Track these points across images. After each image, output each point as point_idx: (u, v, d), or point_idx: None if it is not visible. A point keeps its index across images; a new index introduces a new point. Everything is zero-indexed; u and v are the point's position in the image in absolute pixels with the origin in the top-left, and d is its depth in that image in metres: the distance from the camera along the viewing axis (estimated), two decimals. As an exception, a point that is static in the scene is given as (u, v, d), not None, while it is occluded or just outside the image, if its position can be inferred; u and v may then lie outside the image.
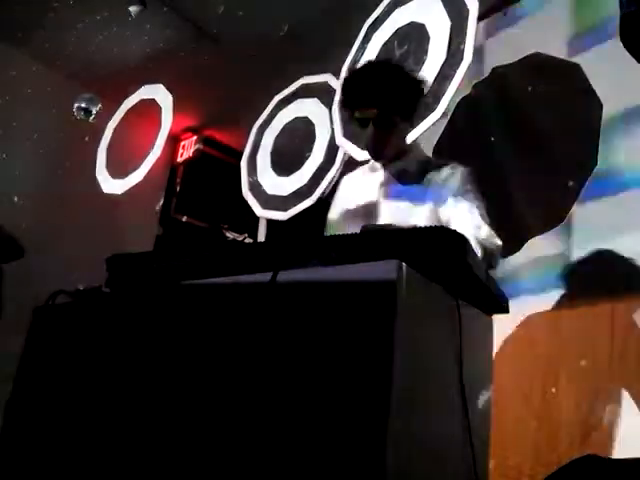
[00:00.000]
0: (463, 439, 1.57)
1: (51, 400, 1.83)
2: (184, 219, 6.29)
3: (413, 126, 2.44)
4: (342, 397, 1.30)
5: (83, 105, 4.86)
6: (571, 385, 2.90)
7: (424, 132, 2.99)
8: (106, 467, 1.60)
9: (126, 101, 4.93)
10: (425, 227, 1.47)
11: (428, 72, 3.08)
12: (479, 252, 1.99)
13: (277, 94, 4.41)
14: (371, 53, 3.56)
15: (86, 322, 1.88)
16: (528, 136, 3.44)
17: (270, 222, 4.83)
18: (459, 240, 1.46)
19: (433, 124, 3.03)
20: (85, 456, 1.66)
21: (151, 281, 1.80)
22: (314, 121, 4.07)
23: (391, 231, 1.54)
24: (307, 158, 4.00)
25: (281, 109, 4.35)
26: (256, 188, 4.28)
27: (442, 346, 1.55)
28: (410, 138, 2.53)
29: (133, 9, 4.48)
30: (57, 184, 5.15)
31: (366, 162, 2.53)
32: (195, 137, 6.42)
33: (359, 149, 3.41)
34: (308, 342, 1.39)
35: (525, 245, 3.29)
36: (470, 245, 1.51)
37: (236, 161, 4.65)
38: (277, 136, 4.31)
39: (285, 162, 4.16)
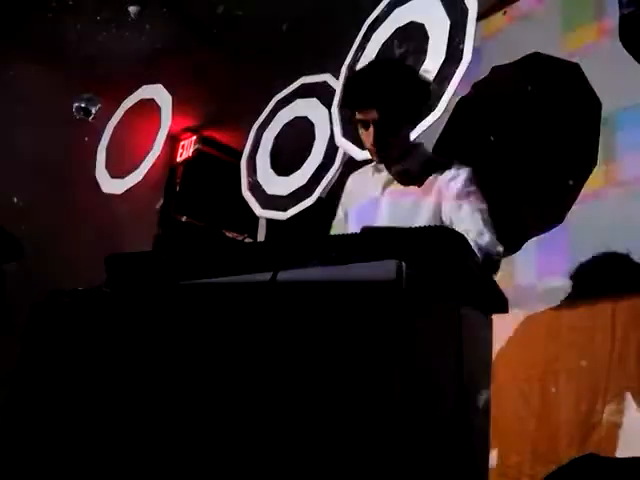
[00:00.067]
0: (462, 438, 1.57)
1: (49, 400, 1.82)
2: (184, 219, 6.29)
3: (416, 126, 2.43)
4: (342, 397, 1.30)
5: (82, 105, 4.86)
6: (571, 385, 2.90)
7: (423, 132, 2.99)
8: (105, 467, 1.60)
9: (126, 101, 4.92)
10: (424, 227, 1.48)
11: (427, 72, 3.08)
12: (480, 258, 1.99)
13: (276, 94, 4.41)
14: (370, 53, 3.56)
15: (85, 322, 1.87)
16: (527, 136, 3.44)
17: (270, 222, 4.83)
18: (458, 240, 1.46)
19: (432, 124, 3.02)
20: (84, 456, 1.66)
21: (150, 281, 1.80)
22: (313, 121, 4.06)
23: (391, 231, 1.54)
24: (307, 158, 4.00)
25: (280, 109, 4.35)
26: (256, 188, 4.27)
27: (442, 346, 1.55)
28: (412, 138, 2.53)
29: (132, 9, 4.48)
30: (56, 184, 5.14)
31: (370, 161, 2.53)
32: (195, 137, 6.42)
33: (359, 149, 3.42)
34: (308, 342, 1.39)
35: (525, 244, 3.29)
36: (470, 245, 1.51)
37: (236, 161, 4.65)
38: (276, 136, 4.30)
39: (285, 162, 4.15)
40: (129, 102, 4.89)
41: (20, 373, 1.96)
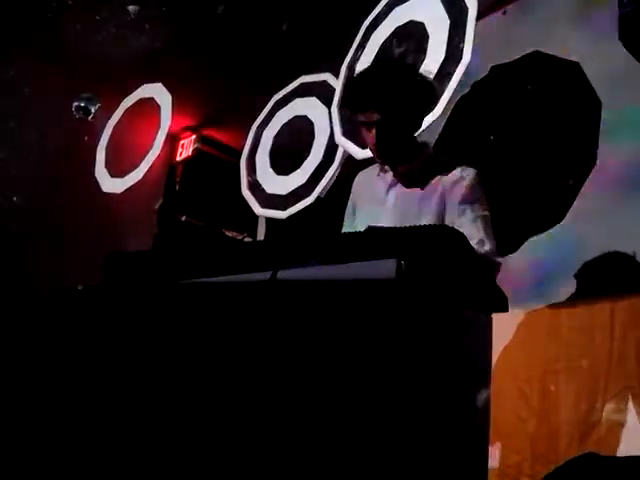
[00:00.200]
0: (462, 438, 1.57)
1: (49, 400, 1.82)
2: (183, 218, 6.28)
3: (420, 127, 2.42)
4: (341, 397, 1.30)
5: (82, 104, 4.86)
6: (570, 384, 2.90)
7: (423, 131, 2.99)
8: (105, 467, 1.60)
9: (125, 100, 4.92)
10: (424, 226, 1.48)
11: (427, 71, 3.08)
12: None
13: (276, 93, 4.41)
14: (370, 52, 3.56)
15: (84, 322, 1.87)
16: (527, 135, 3.44)
17: (269, 221, 4.83)
18: (458, 239, 1.46)
19: (432, 123, 3.02)
20: (84, 455, 1.65)
21: (150, 280, 1.80)
22: (313, 120, 4.06)
23: (391, 230, 1.54)
24: (306, 157, 4.00)
25: (280, 108, 4.35)
26: (255, 187, 4.27)
27: (441, 345, 1.55)
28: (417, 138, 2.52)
29: (132, 9, 4.47)
30: (56, 184, 5.14)
31: (373, 160, 2.53)
32: (194, 136, 6.41)
33: (358, 148, 3.42)
34: (308, 341, 1.39)
35: (524, 244, 3.29)
36: (469, 245, 1.51)
37: (235, 160, 4.65)
38: (276, 135, 4.30)
39: (284, 161, 4.15)
40: (129, 101, 4.89)
41: (20, 373, 1.96)
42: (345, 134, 3.58)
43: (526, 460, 2.92)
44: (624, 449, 2.61)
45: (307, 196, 3.88)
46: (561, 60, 3.44)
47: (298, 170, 4.01)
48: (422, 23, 3.30)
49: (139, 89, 4.82)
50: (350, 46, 3.75)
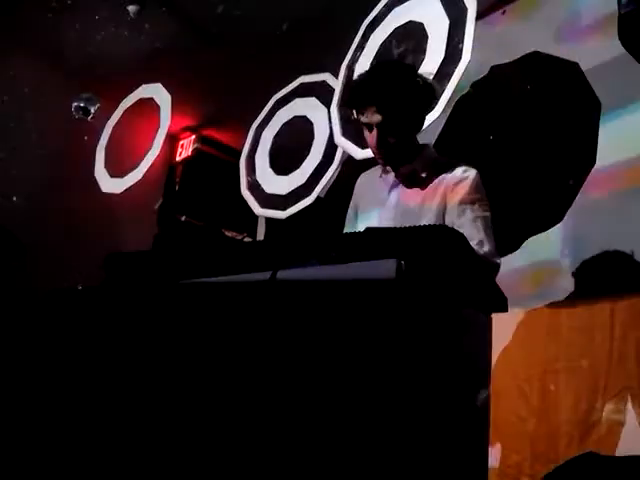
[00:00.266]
0: (461, 437, 1.57)
1: (49, 400, 1.82)
2: (183, 218, 6.28)
3: (421, 129, 2.43)
4: (341, 396, 1.31)
5: (81, 104, 4.86)
6: (570, 383, 2.90)
7: (422, 131, 2.99)
8: (104, 467, 1.60)
9: (125, 100, 4.92)
10: (424, 226, 1.48)
11: (426, 71, 3.08)
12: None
13: (275, 93, 4.41)
14: (369, 52, 3.56)
15: (84, 322, 1.87)
16: (526, 135, 3.44)
17: (269, 221, 4.83)
18: (458, 239, 1.46)
19: (431, 123, 3.02)
20: (83, 457, 1.66)
21: (149, 280, 1.80)
22: (312, 120, 4.06)
23: (391, 230, 1.54)
24: (306, 157, 4.00)
25: (279, 108, 4.35)
26: (255, 187, 4.27)
27: (440, 345, 1.55)
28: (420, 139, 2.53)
29: (132, 9, 4.47)
30: (55, 183, 5.14)
31: (373, 160, 2.53)
32: (194, 136, 6.41)
33: (358, 148, 3.42)
34: (308, 341, 1.39)
35: (524, 244, 3.29)
36: (469, 244, 1.52)
37: (235, 160, 4.65)
38: (275, 135, 4.30)
39: (284, 161, 4.15)
40: (128, 101, 4.89)
41: (20, 373, 1.96)
42: (344, 134, 3.58)
43: (526, 460, 2.92)
44: (624, 449, 2.61)
45: (307, 196, 3.88)
46: (561, 60, 3.44)
47: (298, 170, 4.01)
48: (421, 23, 3.30)
49: (138, 89, 4.82)
50: (349, 46, 3.75)
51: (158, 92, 4.60)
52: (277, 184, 4.12)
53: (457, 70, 2.98)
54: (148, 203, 5.98)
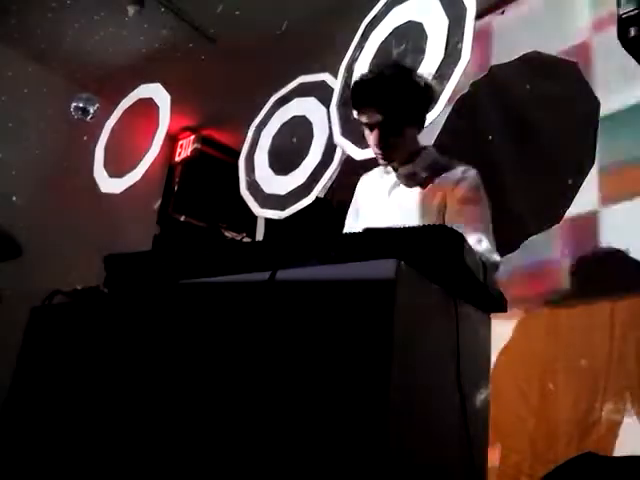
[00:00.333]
0: (461, 437, 1.57)
1: (49, 400, 1.82)
2: (182, 218, 6.28)
3: (422, 130, 2.44)
4: (341, 396, 1.30)
5: (81, 105, 4.86)
6: (569, 383, 2.90)
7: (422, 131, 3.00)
8: (104, 467, 1.60)
9: (124, 101, 4.92)
10: (423, 226, 1.48)
11: (426, 71, 3.08)
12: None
13: (275, 93, 4.41)
14: (369, 52, 3.56)
15: (84, 322, 1.88)
16: (526, 135, 3.44)
17: (268, 221, 4.83)
18: (457, 239, 1.46)
19: (430, 123, 3.03)
20: (83, 456, 1.66)
21: (149, 280, 1.80)
22: (312, 120, 4.06)
23: (390, 230, 1.54)
24: (305, 157, 4.00)
25: (279, 108, 4.35)
26: (254, 187, 4.27)
27: (440, 344, 1.55)
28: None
29: (130, 9, 4.47)
30: (55, 183, 5.14)
31: (374, 162, 2.54)
32: (193, 136, 6.42)
33: (357, 148, 3.42)
34: (307, 341, 1.39)
35: (523, 243, 3.29)
36: (468, 244, 1.51)
37: (234, 160, 4.65)
38: (275, 135, 4.30)
39: (283, 161, 4.16)
40: (127, 101, 4.89)
41: (21, 373, 1.96)
42: (344, 134, 3.58)
43: (526, 460, 2.92)
44: (623, 449, 2.61)
45: (306, 196, 3.88)
46: (560, 60, 3.44)
47: (297, 170, 4.01)
48: (421, 23, 3.30)
49: (138, 89, 4.82)
50: (349, 46, 3.75)
51: (157, 92, 4.60)
52: (276, 184, 4.12)
53: (456, 70, 2.98)
54: (147, 203, 5.99)
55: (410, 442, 1.35)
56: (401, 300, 1.33)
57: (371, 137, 2.32)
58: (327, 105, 3.85)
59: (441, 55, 3.09)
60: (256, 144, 4.38)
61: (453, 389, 1.57)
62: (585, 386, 2.84)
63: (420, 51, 3.21)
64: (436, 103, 2.64)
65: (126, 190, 4.52)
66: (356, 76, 3.21)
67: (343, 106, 3.62)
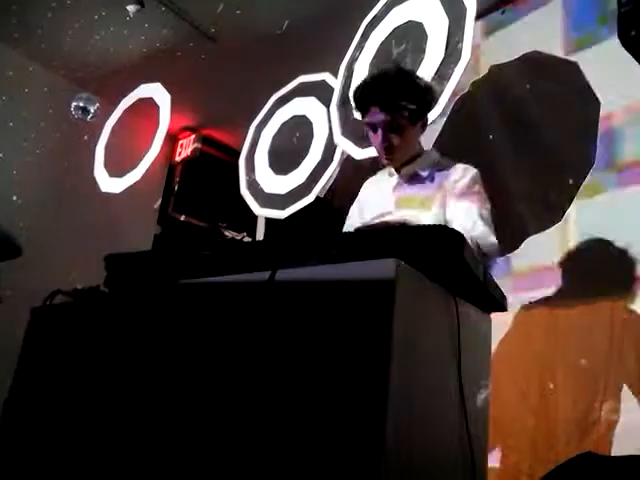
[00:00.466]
0: (461, 437, 1.57)
1: (49, 400, 1.82)
2: (182, 218, 6.29)
3: (424, 130, 2.46)
4: (340, 396, 1.30)
5: (81, 104, 4.86)
6: (569, 382, 2.91)
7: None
8: (104, 467, 1.60)
9: (124, 100, 4.93)
10: (423, 226, 1.48)
11: (426, 71, 3.09)
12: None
13: (275, 93, 4.41)
14: (369, 52, 3.56)
15: (84, 322, 1.88)
16: (526, 134, 3.44)
17: (268, 220, 4.83)
18: (457, 238, 1.46)
19: (431, 123, 3.03)
20: (83, 456, 1.66)
21: (149, 280, 1.80)
22: (312, 119, 4.07)
23: (390, 230, 1.54)
24: (305, 156, 4.00)
25: (279, 108, 4.36)
26: (254, 187, 4.28)
27: (440, 344, 1.55)
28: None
29: (131, 8, 4.47)
30: (55, 183, 5.14)
31: (374, 163, 2.56)
32: (193, 136, 6.42)
33: (357, 147, 3.42)
34: (307, 340, 1.39)
35: (524, 243, 3.29)
36: (468, 243, 1.51)
37: (234, 160, 4.65)
38: (275, 135, 4.31)
39: (283, 160, 4.16)
40: (128, 101, 4.90)
41: (21, 373, 1.96)
42: (344, 133, 3.59)
43: (525, 459, 2.93)
44: (623, 448, 2.61)
45: (306, 195, 3.89)
46: (560, 60, 3.44)
47: (297, 169, 4.01)
48: (421, 23, 3.30)
49: (138, 89, 4.83)
50: (349, 46, 3.75)
51: (157, 91, 4.61)
52: (276, 183, 4.12)
53: (456, 70, 2.99)
54: (148, 203, 5.99)
55: (410, 442, 1.35)
56: (401, 300, 1.33)
57: (375, 137, 2.35)
58: (327, 105, 3.86)
59: (441, 55, 3.10)
60: (256, 144, 4.38)
61: (453, 389, 1.57)
62: (585, 386, 2.85)
63: (420, 51, 3.21)
64: (436, 103, 2.65)
65: (126, 190, 4.53)
66: (357, 77, 3.23)
67: (343, 106, 3.63)
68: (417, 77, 2.43)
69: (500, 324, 3.13)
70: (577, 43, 3.41)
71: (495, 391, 1.92)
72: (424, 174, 2.37)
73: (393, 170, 2.45)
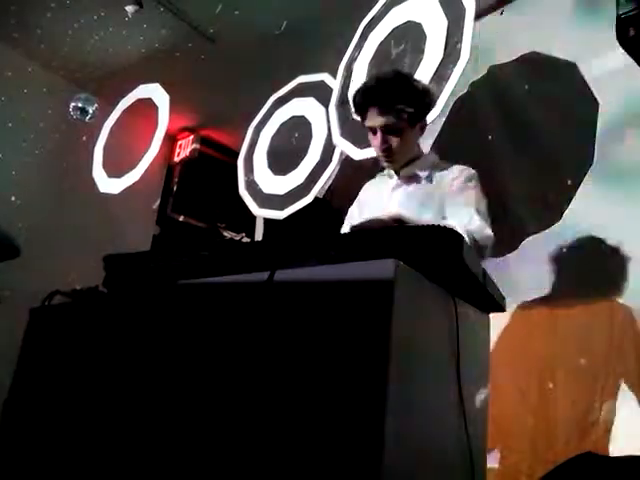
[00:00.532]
0: (460, 437, 1.57)
1: (49, 400, 1.82)
2: (181, 218, 6.29)
3: (423, 133, 2.48)
4: (339, 396, 1.30)
5: (80, 105, 4.86)
6: (568, 382, 2.91)
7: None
8: (104, 466, 1.60)
9: (122, 101, 4.93)
10: (422, 226, 1.47)
11: (425, 71, 3.09)
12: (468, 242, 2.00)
13: (274, 93, 4.41)
14: (368, 52, 3.56)
15: (83, 322, 1.87)
16: (525, 135, 3.44)
17: (267, 221, 4.83)
18: (456, 238, 1.46)
19: (430, 123, 3.03)
20: (83, 456, 1.66)
21: (148, 281, 1.80)
22: (311, 120, 4.07)
23: (389, 230, 1.54)
24: (303, 157, 4.00)
25: (278, 108, 4.35)
26: (253, 187, 4.28)
27: (439, 344, 1.55)
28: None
29: (129, 9, 4.47)
30: (54, 184, 5.14)
31: (375, 164, 2.57)
32: (192, 136, 6.42)
33: (356, 148, 3.42)
34: (306, 341, 1.39)
35: (523, 243, 3.29)
36: (467, 243, 1.51)
37: (233, 160, 4.65)
38: (274, 135, 4.31)
39: (282, 161, 4.16)
40: (126, 101, 4.90)
41: (21, 373, 1.96)
42: (343, 134, 3.59)
43: (525, 459, 2.93)
44: (622, 448, 2.61)
45: (305, 196, 3.89)
46: (559, 60, 3.44)
47: (296, 170, 4.01)
48: (420, 23, 3.30)
49: (137, 89, 4.82)
50: (348, 46, 3.75)
51: (156, 92, 4.61)
52: (275, 184, 4.12)
53: (455, 70, 2.99)
54: (146, 203, 5.99)
55: (409, 442, 1.35)
56: (400, 300, 1.33)
57: (374, 140, 2.39)
58: (326, 105, 3.86)
59: (440, 55, 3.10)
60: (255, 144, 4.38)
61: (452, 389, 1.57)
62: (584, 386, 2.85)
63: (419, 51, 3.22)
64: (435, 105, 2.67)
65: (125, 190, 4.52)
66: (356, 77, 3.23)
67: (342, 106, 3.63)
68: (415, 80, 2.46)
69: (499, 324, 3.13)
70: (577, 43, 3.41)
71: (494, 391, 1.92)
72: (423, 175, 2.40)
73: (392, 172, 2.48)
